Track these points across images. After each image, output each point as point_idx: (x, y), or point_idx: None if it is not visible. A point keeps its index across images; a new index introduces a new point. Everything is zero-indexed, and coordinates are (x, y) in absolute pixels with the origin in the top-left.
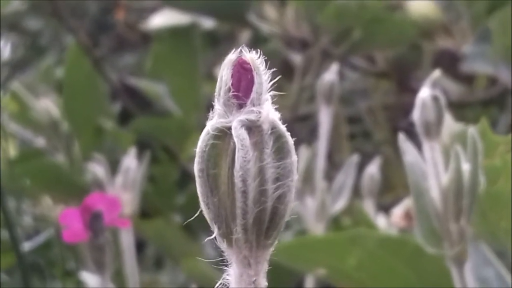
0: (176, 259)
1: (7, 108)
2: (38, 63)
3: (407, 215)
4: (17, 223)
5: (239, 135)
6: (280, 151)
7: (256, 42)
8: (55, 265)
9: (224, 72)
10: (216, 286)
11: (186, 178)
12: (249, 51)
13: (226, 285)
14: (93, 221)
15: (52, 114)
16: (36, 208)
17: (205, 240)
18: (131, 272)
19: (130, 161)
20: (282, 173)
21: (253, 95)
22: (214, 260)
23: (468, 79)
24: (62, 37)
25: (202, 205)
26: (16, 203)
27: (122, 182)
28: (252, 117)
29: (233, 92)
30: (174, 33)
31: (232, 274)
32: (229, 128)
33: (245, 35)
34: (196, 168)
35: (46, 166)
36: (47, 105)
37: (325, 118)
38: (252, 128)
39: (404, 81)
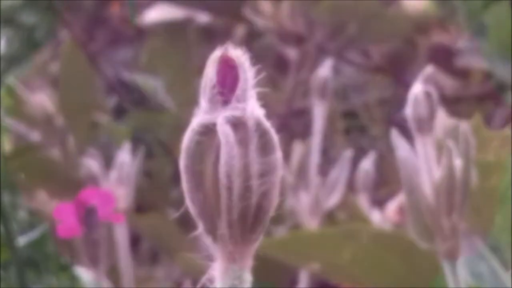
0: (171, 254)
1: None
2: (33, 57)
3: (402, 210)
4: (12, 217)
5: (224, 132)
6: (265, 148)
7: (251, 37)
8: (50, 260)
9: (209, 69)
10: (201, 281)
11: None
12: (236, 48)
13: (211, 280)
14: (87, 216)
15: (47, 108)
16: (31, 202)
17: (191, 235)
18: (125, 267)
19: (125, 156)
20: (266, 169)
21: (238, 91)
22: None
23: (463, 74)
24: (57, 31)
25: (188, 201)
26: (11, 198)
27: (116, 177)
28: (237, 113)
29: (218, 88)
30: (169, 27)
31: (217, 269)
32: (214, 125)
33: (240, 30)
34: (181, 164)
35: (40, 160)
36: (42, 100)
37: (319, 113)
38: (237, 124)
39: (400, 76)
